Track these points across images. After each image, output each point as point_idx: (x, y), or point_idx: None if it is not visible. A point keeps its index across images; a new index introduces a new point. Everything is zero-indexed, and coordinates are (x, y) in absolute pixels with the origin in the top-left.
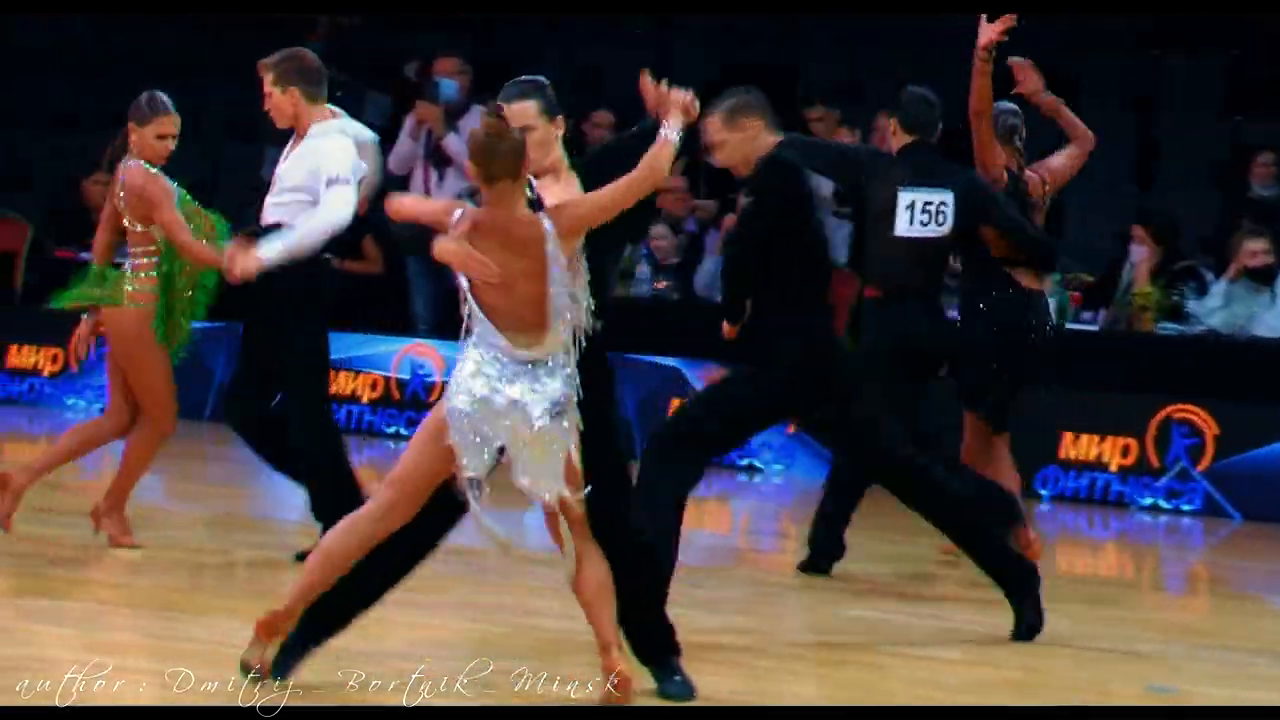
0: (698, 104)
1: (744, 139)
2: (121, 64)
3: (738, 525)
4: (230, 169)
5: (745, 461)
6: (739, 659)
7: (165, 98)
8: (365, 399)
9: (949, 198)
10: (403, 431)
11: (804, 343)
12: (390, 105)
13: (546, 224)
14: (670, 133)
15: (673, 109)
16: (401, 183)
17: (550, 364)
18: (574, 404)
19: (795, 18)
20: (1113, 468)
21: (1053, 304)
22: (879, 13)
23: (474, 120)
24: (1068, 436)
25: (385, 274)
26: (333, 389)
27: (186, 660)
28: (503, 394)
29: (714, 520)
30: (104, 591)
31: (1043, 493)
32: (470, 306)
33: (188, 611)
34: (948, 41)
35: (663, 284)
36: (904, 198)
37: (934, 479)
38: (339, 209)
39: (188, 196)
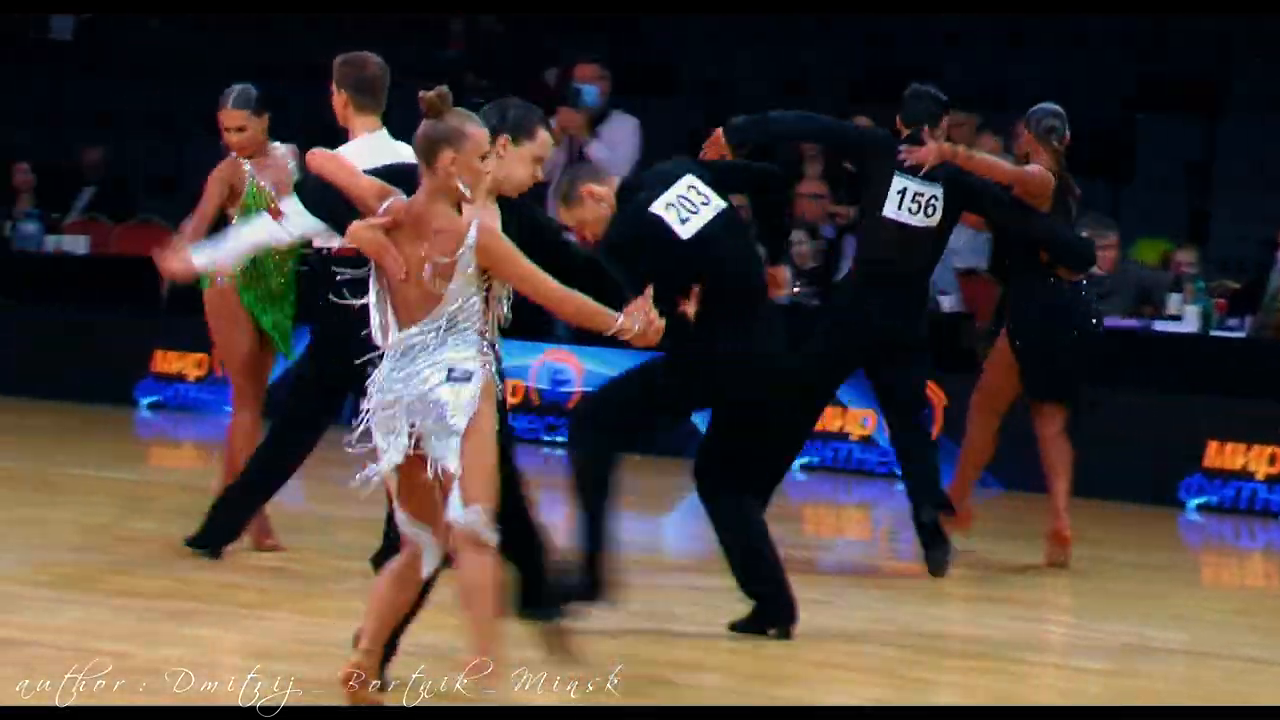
0: (662, 329)
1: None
2: (273, 68)
3: (878, 533)
4: None
5: (888, 469)
6: (881, 667)
7: (236, 90)
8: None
9: (939, 193)
10: (543, 437)
11: (704, 346)
12: None
13: (472, 233)
14: (620, 322)
15: (639, 321)
16: (541, 189)
17: (437, 338)
18: (484, 380)
19: (936, 20)
20: (1259, 476)
21: (1197, 311)
22: (1022, 12)
23: (616, 126)
24: (1213, 445)
25: None
26: None
27: (328, 662)
28: (405, 382)
29: (856, 528)
30: (249, 595)
31: (1188, 501)
32: (383, 299)
33: (331, 616)
34: (1088, 44)
35: (799, 289)
36: (897, 182)
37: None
38: (259, 233)
39: (257, 190)
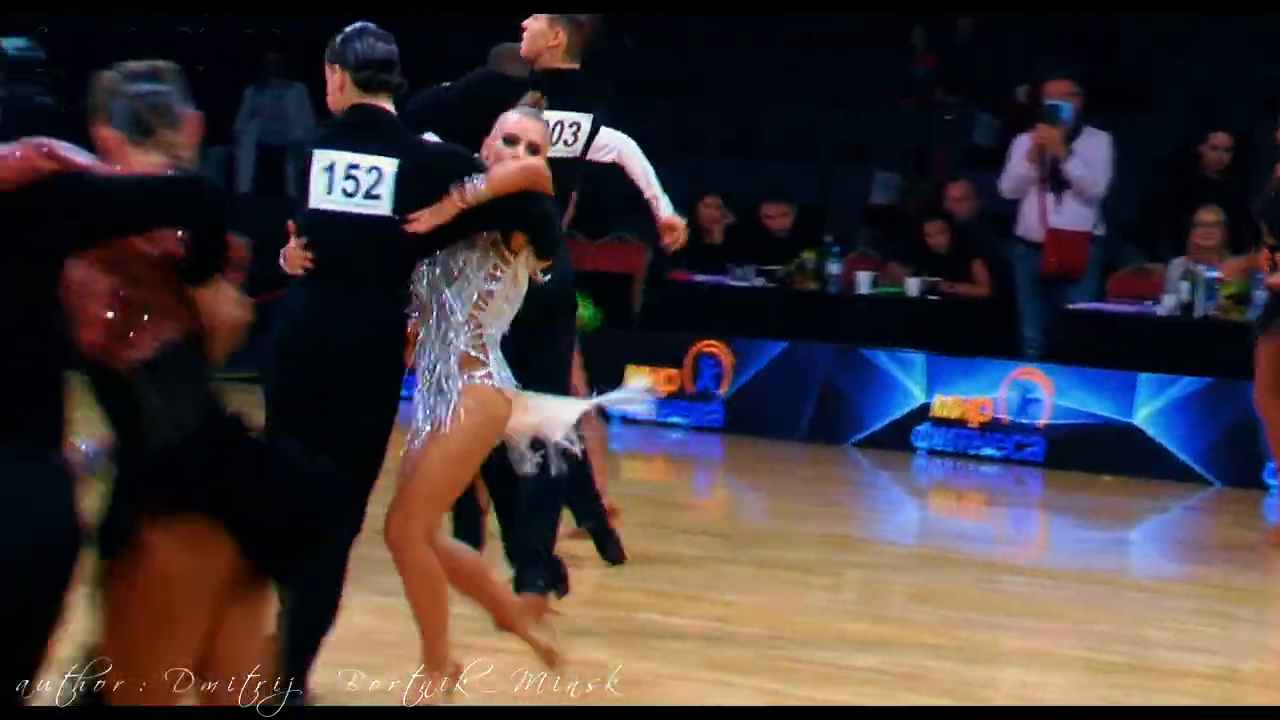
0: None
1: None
2: (725, 85)
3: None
4: (841, 191)
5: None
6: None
7: None
8: (973, 423)
9: None
10: (1013, 456)
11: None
12: (1000, 127)
13: None
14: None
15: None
16: (1012, 206)
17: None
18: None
19: None
20: None
21: None
22: None
23: (1090, 141)
24: None
25: (994, 297)
26: (941, 413)
27: (797, 679)
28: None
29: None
30: (717, 609)
31: None
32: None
33: (798, 631)
34: None
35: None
36: None
37: None
38: None
39: None
